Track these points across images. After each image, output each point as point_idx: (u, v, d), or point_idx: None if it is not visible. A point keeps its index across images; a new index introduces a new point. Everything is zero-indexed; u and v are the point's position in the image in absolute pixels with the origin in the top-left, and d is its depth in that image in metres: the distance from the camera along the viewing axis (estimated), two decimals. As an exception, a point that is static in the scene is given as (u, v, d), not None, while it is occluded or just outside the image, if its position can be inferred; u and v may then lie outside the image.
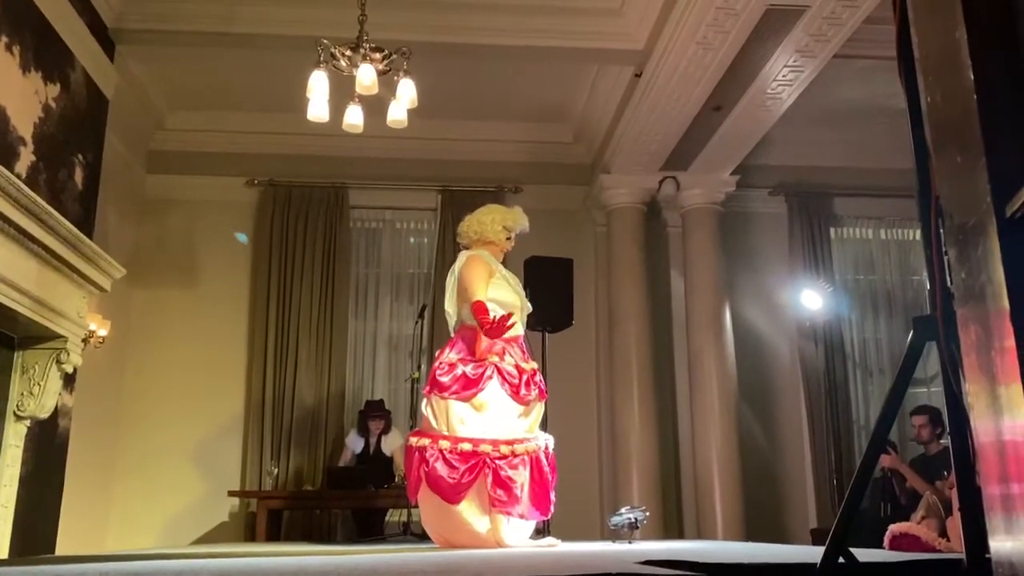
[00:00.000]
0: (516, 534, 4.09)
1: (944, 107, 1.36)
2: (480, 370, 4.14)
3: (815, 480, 7.42)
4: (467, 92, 7.09)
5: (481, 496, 4.02)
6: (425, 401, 4.22)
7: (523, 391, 4.18)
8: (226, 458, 7.05)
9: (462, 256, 4.48)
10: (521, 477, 4.05)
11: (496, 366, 4.16)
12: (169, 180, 7.51)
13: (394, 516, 6.50)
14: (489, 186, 7.57)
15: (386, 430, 6.55)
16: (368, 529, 6.38)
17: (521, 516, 4.07)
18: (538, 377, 4.33)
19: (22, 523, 4.82)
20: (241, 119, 7.48)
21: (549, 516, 4.31)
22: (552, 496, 4.20)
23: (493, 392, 4.13)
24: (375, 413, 6.60)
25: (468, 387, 4.12)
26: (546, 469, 4.19)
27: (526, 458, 4.11)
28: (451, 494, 3.98)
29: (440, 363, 4.20)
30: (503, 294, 4.35)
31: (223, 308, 7.34)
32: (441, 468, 3.99)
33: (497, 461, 4.01)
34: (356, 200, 7.63)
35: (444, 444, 4.04)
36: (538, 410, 4.34)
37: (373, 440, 6.55)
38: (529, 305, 4.51)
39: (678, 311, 7.68)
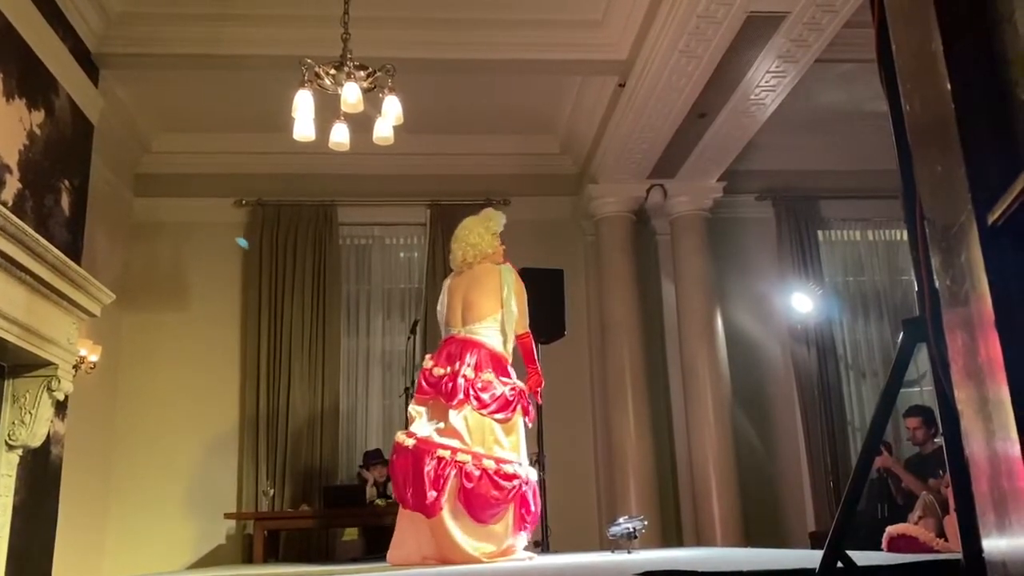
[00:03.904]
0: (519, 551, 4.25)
1: (923, 115, 1.37)
2: (514, 393, 4.27)
3: (812, 482, 7.43)
4: (453, 106, 7.11)
5: (509, 517, 4.15)
6: (458, 413, 4.16)
7: (530, 411, 4.40)
8: (222, 480, 7.01)
9: (509, 269, 4.53)
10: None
11: (521, 389, 4.32)
12: (157, 203, 7.49)
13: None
14: (477, 199, 7.55)
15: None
16: (377, 547, 6.30)
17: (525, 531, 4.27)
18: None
19: (16, 553, 4.78)
20: (227, 140, 7.48)
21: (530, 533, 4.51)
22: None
23: (518, 416, 4.30)
24: (375, 461, 6.57)
25: (504, 408, 4.21)
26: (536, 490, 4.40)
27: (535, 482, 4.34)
28: (486, 514, 4.04)
29: (473, 378, 4.20)
30: None
31: (215, 329, 7.31)
32: (487, 488, 4.02)
33: (524, 486, 4.17)
34: (345, 217, 7.63)
35: (489, 464, 4.07)
36: None
37: (372, 489, 6.48)
38: None
39: (670, 318, 7.69)
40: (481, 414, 4.14)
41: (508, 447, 4.20)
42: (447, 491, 4.00)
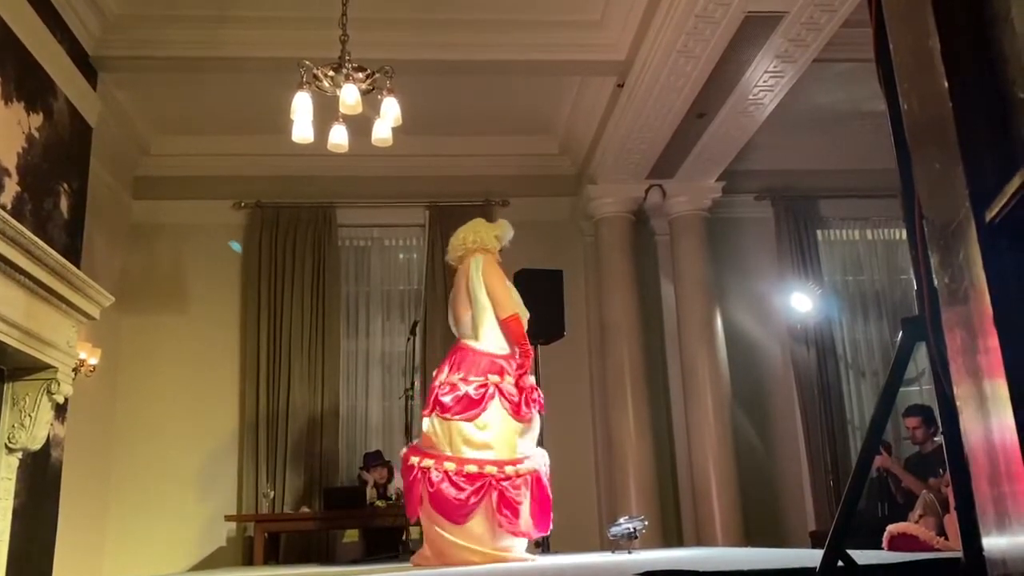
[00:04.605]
0: (518, 551, 4.18)
1: (920, 113, 1.37)
2: (482, 391, 4.20)
3: (812, 481, 7.43)
4: (451, 108, 7.11)
5: (485, 516, 4.07)
6: (427, 420, 4.25)
7: (523, 409, 4.26)
8: (222, 482, 7.01)
9: (478, 259, 4.48)
10: (523, 497, 4.14)
11: (497, 386, 4.22)
12: (155, 205, 7.49)
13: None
14: (477, 200, 7.58)
15: (390, 478, 6.50)
16: (377, 548, 6.31)
17: (524, 535, 4.17)
18: (536, 393, 4.39)
19: (17, 556, 4.78)
20: (226, 142, 7.47)
21: (548, 532, 4.41)
22: (551, 513, 4.30)
23: (495, 412, 4.19)
24: (375, 463, 6.58)
25: (470, 408, 4.17)
26: (547, 487, 4.29)
27: (528, 478, 4.20)
28: (457, 515, 4.04)
29: (441, 383, 4.23)
30: (518, 303, 4.49)
31: (214, 331, 7.31)
32: (447, 489, 4.05)
33: (502, 483, 4.09)
34: (344, 219, 7.63)
35: (449, 466, 4.09)
36: (536, 425, 4.41)
37: (372, 491, 6.47)
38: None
39: (669, 318, 7.69)
40: (445, 418, 4.17)
41: (482, 446, 4.14)
42: (421, 496, 4.12)
